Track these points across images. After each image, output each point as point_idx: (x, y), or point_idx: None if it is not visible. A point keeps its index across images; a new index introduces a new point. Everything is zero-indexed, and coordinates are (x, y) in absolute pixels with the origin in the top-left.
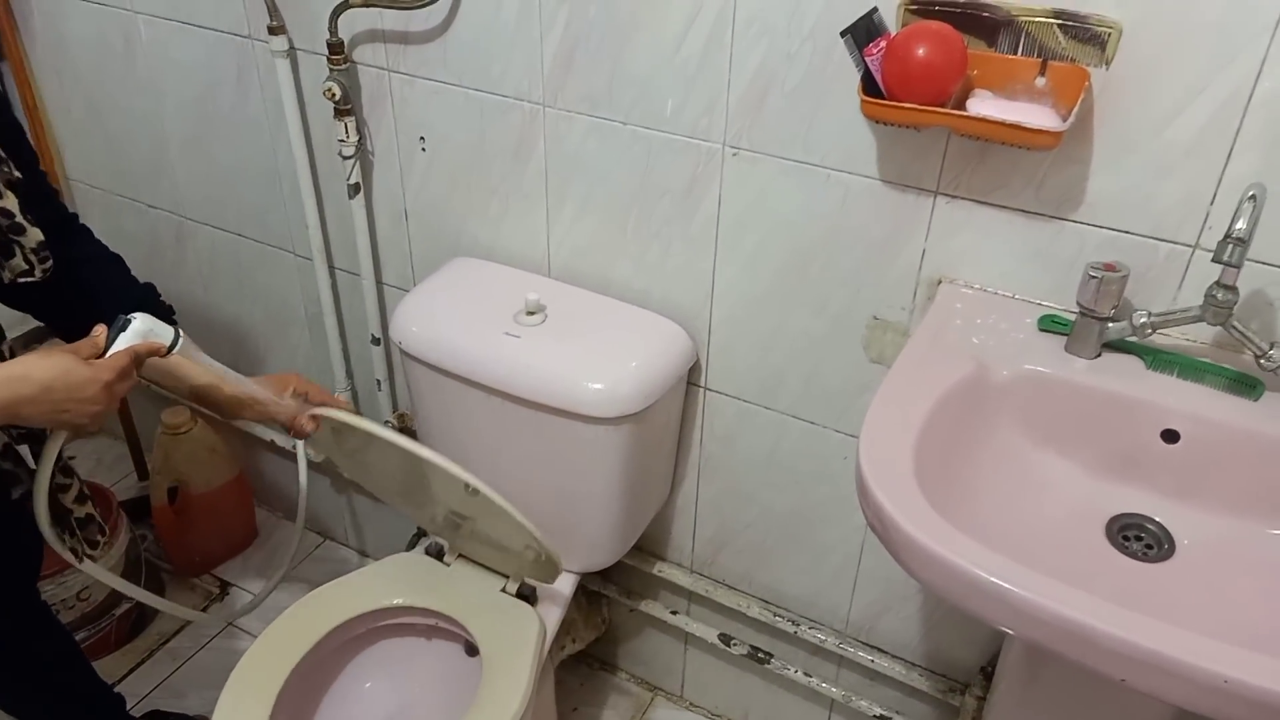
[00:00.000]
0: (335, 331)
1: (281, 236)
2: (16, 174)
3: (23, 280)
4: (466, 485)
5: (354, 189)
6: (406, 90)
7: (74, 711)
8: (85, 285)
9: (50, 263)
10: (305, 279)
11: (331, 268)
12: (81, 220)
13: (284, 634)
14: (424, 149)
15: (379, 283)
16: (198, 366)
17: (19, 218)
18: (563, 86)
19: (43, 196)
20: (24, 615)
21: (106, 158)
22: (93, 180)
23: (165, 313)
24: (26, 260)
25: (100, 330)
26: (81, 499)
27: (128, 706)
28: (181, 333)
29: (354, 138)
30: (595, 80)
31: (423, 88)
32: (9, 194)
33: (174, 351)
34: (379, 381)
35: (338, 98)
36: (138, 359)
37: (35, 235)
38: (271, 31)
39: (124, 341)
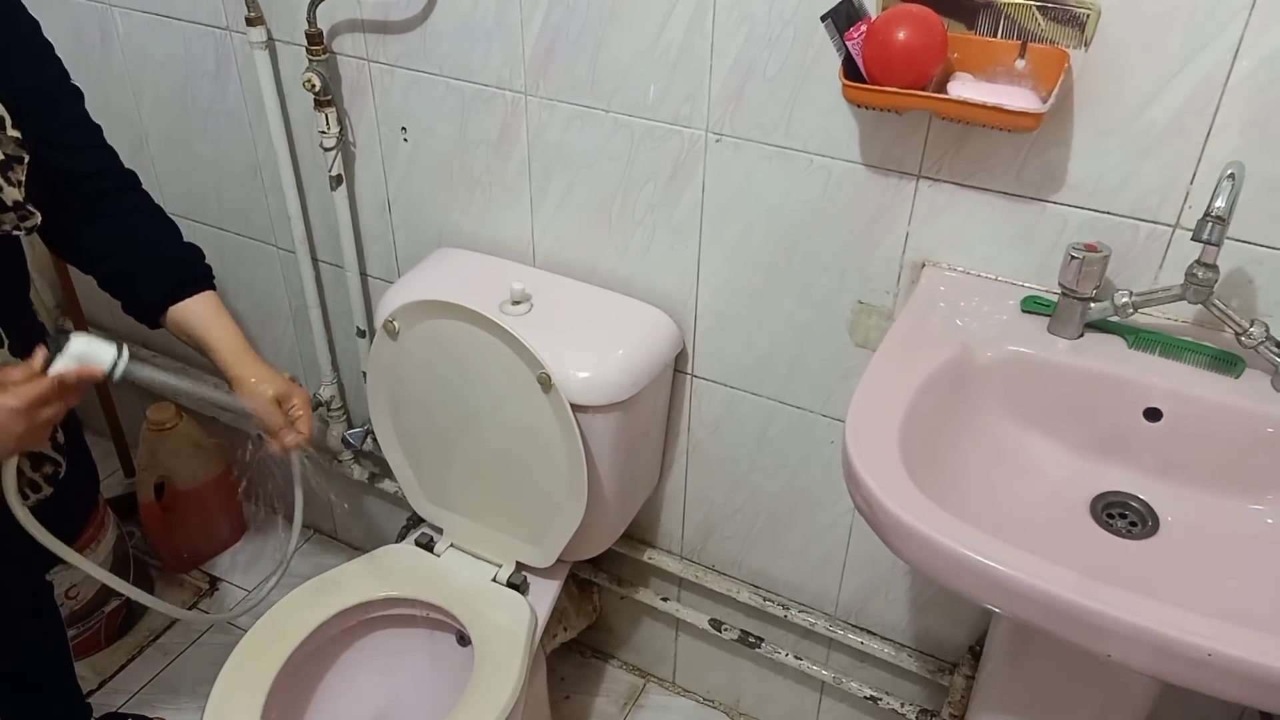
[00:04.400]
0: (320, 324)
1: (264, 229)
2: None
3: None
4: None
5: (336, 180)
6: (387, 80)
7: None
8: (118, 238)
9: (32, 220)
10: (289, 272)
11: (315, 260)
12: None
13: (275, 628)
14: (406, 139)
15: (363, 274)
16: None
17: None
18: (544, 75)
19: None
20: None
21: None
22: None
23: (202, 274)
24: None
25: (39, 351)
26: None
27: (121, 703)
28: (125, 356)
29: (335, 129)
30: (576, 68)
31: (403, 78)
32: None
33: (115, 376)
34: (364, 374)
35: (318, 89)
36: (64, 386)
37: (12, 195)
38: (249, 23)
39: (59, 364)
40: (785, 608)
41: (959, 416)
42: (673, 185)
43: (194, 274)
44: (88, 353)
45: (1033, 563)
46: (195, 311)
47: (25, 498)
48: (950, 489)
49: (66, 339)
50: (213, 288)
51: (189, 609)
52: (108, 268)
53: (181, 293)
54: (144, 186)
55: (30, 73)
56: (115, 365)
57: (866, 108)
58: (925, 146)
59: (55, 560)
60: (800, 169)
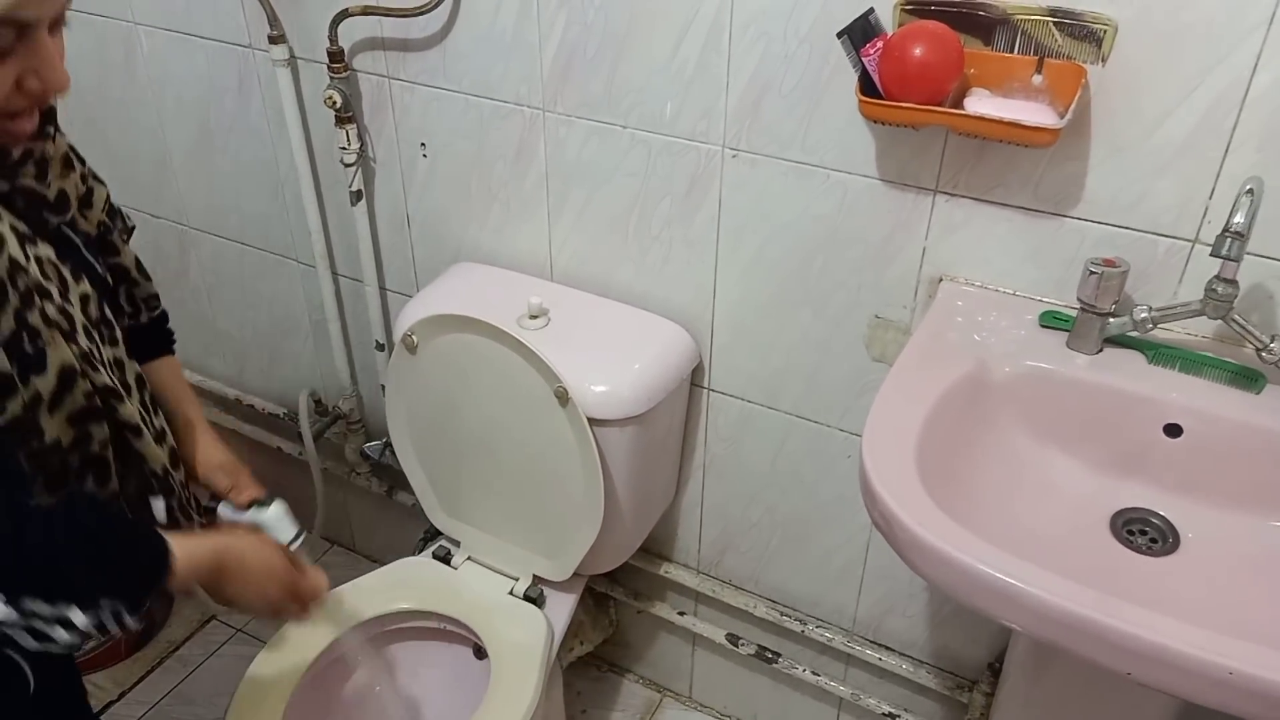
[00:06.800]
0: (340, 338)
1: (284, 244)
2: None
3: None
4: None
5: (356, 196)
6: (407, 97)
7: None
8: None
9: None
10: (309, 286)
11: (335, 274)
12: (135, 224)
13: (293, 640)
14: (425, 155)
15: (382, 289)
16: (185, 396)
17: (134, 272)
18: (562, 91)
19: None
20: None
21: (108, 168)
22: None
23: (166, 338)
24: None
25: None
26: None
27: (140, 714)
28: (300, 541)
29: (355, 145)
30: (594, 85)
31: (423, 94)
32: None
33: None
34: (383, 387)
35: (339, 106)
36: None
37: (148, 289)
38: (272, 41)
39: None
40: (803, 623)
41: (977, 432)
42: (689, 200)
43: (159, 337)
44: (276, 524)
45: (1052, 580)
46: (163, 374)
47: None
48: (968, 505)
49: (269, 503)
50: (173, 353)
51: (205, 622)
52: None
53: (145, 357)
54: (151, 210)
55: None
56: (290, 544)
57: (883, 123)
58: (942, 161)
59: None
60: (817, 184)
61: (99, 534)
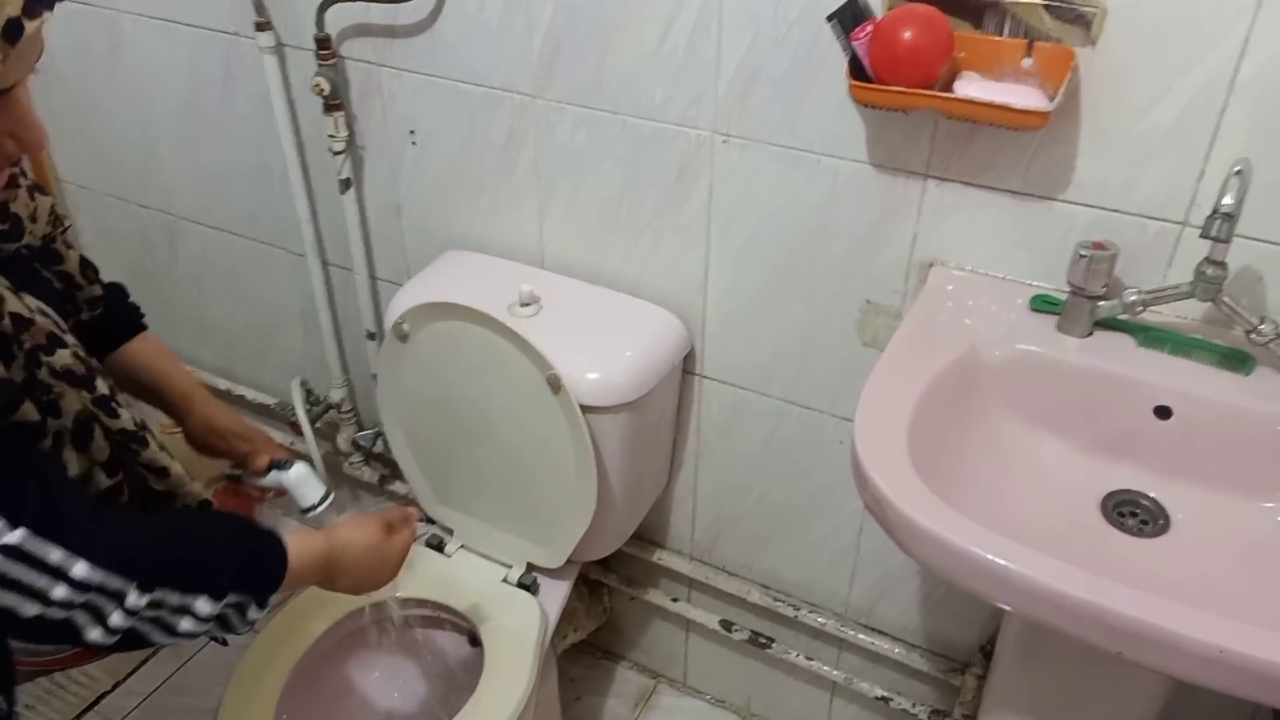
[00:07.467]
0: (330, 328)
1: (273, 233)
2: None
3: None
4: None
5: (345, 184)
6: (395, 84)
7: None
8: None
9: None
10: (298, 276)
11: (325, 264)
12: (72, 220)
13: (286, 629)
14: (414, 143)
15: (373, 277)
16: (175, 369)
17: (78, 277)
18: (551, 78)
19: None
20: None
21: (95, 158)
22: (82, 180)
23: (135, 314)
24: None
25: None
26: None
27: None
28: (325, 504)
29: (344, 133)
30: (583, 71)
31: (411, 81)
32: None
33: (308, 515)
34: (374, 376)
35: (326, 93)
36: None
37: (90, 291)
38: (258, 27)
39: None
40: (796, 608)
41: (968, 415)
42: (680, 187)
43: (127, 315)
44: (301, 484)
45: (1043, 561)
46: (144, 354)
47: None
48: (960, 487)
49: (289, 464)
50: (145, 328)
51: None
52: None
53: (121, 337)
54: (138, 200)
55: None
56: (314, 508)
57: (873, 107)
58: (932, 146)
59: None
60: (807, 169)
61: (230, 526)
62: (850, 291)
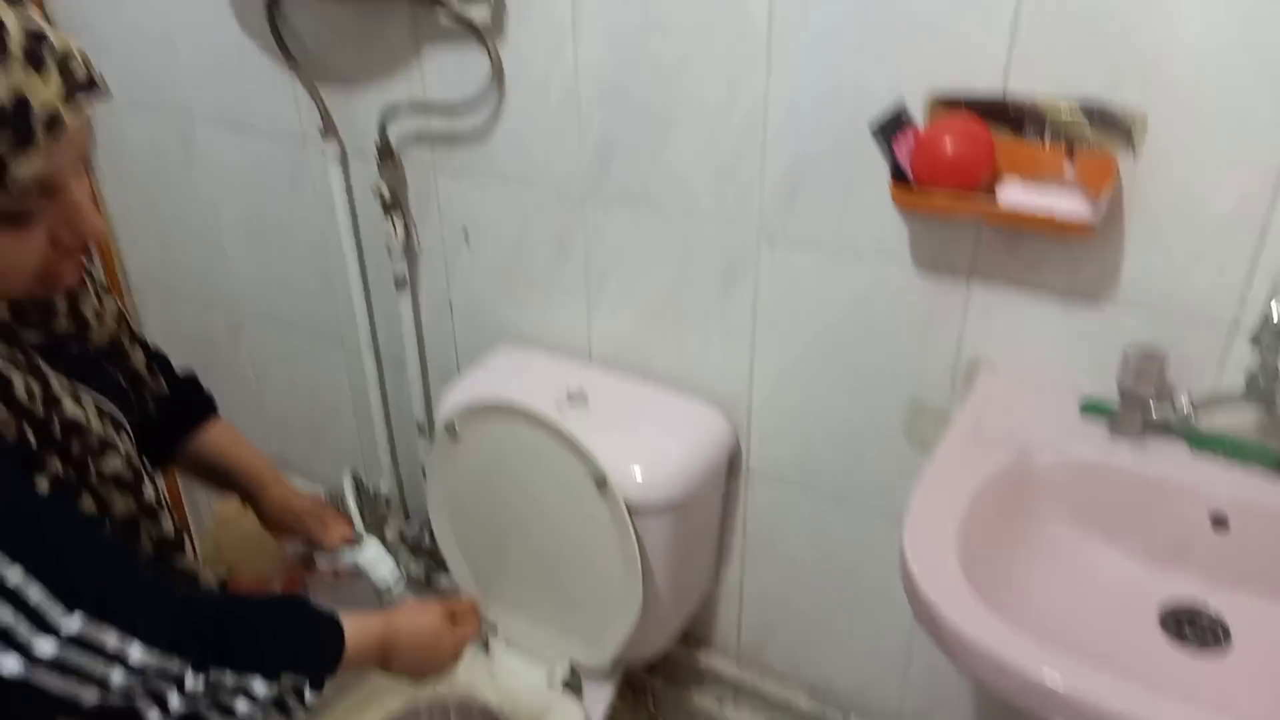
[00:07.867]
0: (381, 420)
1: (330, 329)
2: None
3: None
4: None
5: (400, 282)
6: (451, 187)
7: None
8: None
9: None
10: (353, 370)
11: (378, 359)
12: (138, 319)
13: None
14: (468, 242)
15: (424, 372)
16: (249, 452)
17: (144, 375)
18: (601, 181)
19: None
20: None
21: (164, 258)
22: (151, 279)
23: (208, 401)
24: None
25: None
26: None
27: None
28: (400, 585)
29: (401, 233)
30: (632, 174)
31: (467, 183)
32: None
33: (384, 598)
34: (424, 469)
35: (386, 196)
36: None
37: (155, 386)
38: (323, 135)
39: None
40: (845, 715)
41: (1020, 522)
42: (726, 286)
43: (200, 401)
44: (374, 564)
45: (1104, 682)
46: (218, 439)
47: None
48: (1013, 598)
49: (362, 540)
50: (217, 413)
51: None
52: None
53: (194, 422)
54: (204, 298)
55: None
56: (389, 590)
57: (916, 212)
58: (976, 248)
59: None
60: (851, 271)
61: (286, 607)
62: (897, 391)
